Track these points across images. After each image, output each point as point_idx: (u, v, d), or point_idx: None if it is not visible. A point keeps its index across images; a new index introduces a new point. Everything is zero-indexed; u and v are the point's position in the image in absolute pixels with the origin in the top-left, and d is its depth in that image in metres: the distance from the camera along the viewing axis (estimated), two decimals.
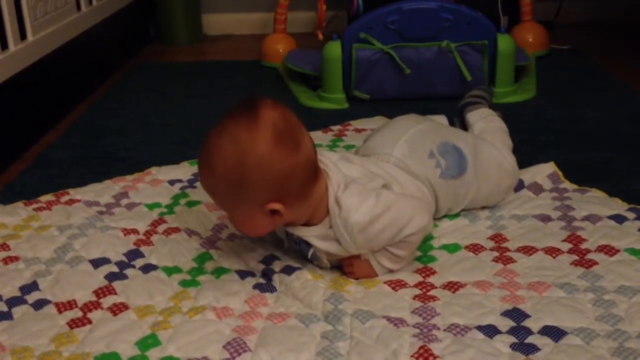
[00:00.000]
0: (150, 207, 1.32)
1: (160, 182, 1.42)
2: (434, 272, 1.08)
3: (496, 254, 1.13)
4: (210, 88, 2.10)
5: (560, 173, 1.37)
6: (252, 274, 1.09)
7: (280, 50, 2.24)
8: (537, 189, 1.33)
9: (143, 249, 1.17)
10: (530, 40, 2.23)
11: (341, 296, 1.02)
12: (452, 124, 1.42)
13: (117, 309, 1.02)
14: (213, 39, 2.75)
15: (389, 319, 0.97)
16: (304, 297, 1.02)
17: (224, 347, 0.93)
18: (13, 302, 1.04)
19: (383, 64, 1.83)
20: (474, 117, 1.34)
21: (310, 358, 0.91)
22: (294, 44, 2.26)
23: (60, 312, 1.02)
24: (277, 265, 1.10)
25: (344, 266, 1.08)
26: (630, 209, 1.23)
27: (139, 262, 1.14)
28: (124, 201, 1.35)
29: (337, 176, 1.05)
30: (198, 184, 1.40)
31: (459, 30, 1.81)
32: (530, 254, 1.12)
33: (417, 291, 1.04)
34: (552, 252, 1.12)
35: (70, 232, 1.23)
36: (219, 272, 1.10)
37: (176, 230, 1.23)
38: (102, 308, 1.02)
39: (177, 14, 2.61)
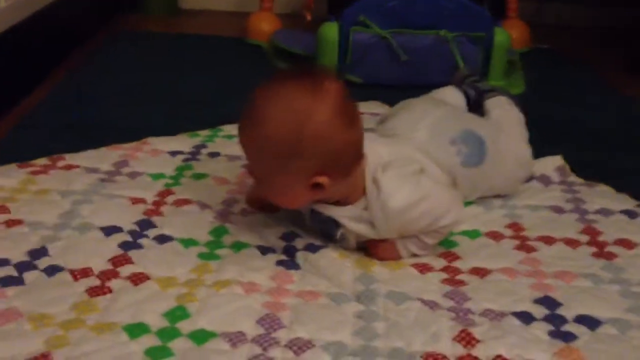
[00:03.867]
0: (155, 177, 1.27)
1: (160, 153, 1.37)
2: (458, 257, 1.07)
3: (517, 242, 1.12)
4: (194, 62, 2.04)
5: (568, 166, 1.37)
6: (273, 250, 1.06)
7: (265, 29, 2.19)
8: (545, 181, 1.33)
9: (154, 219, 1.12)
10: (514, 37, 2.24)
11: (371, 276, 1.00)
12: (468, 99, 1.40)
13: (137, 279, 0.97)
14: (189, 13, 2.68)
15: (423, 301, 0.95)
16: (332, 276, 1.00)
17: (257, 322, 0.89)
18: (23, 266, 0.98)
19: (379, 48, 1.81)
20: (492, 104, 1.34)
21: (347, 337, 0.88)
22: (279, 23, 2.22)
23: (76, 279, 0.96)
24: (299, 243, 1.06)
25: (369, 247, 1.05)
26: (628, 210, 1.24)
27: (152, 232, 1.09)
28: (126, 169, 1.29)
29: (375, 156, 1.02)
30: (201, 156, 1.36)
31: (457, 20, 1.80)
32: (550, 244, 1.12)
33: (445, 275, 1.02)
34: (571, 243, 1.12)
35: (74, 197, 1.17)
36: (238, 246, 1.06)
37: (186, 202, 1.18)
38: (120, 277, 0.97)
39: None
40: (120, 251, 1.03)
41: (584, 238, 1.14)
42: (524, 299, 0.97)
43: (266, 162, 0.98)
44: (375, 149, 1.03)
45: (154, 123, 1.54)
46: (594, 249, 1.11)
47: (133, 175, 1.27)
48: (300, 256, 1.04)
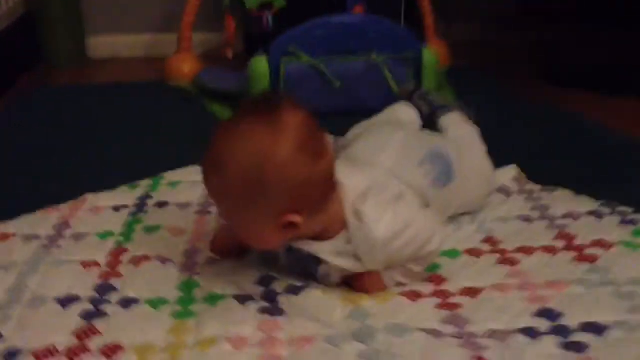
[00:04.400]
0: (103, 236, 1.17)
1: (102, 210, 1.27)
2: (444, 279, 1.02)
3: (497, 256, 1.08)
4: (114, 111, 1.92)
5: (523, 175, 1.36)
6: (251, 298, 0.98)
7: (186, 70, 2.11)
8: (506, 191, 1.30)
9: (113, 281, 1.03)
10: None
11: (363, 311, 0.94)
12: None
13: (111, 351, 0.87)
14: (100, 62, 2.56)
15: (424, 331, 0.89)
16: (322, 317, 0.93)
17: None
18: None
19: (312, 78, 1.76)
20: (447, 121, 1.31)
21: None
22: (199, 63, 2.14)
23: None
24: (278, 286, 0.99)
25: (354, 280, 0.99)
26: (602, 205, 1.24)
27: (114, 297, 0.99)
28: (68, 232, 1.18)
29: (352, 185, 0.96)
30: (148, 208, 1.27)
31: (385, 42, 1.78)
32: (530, 254, 1.09)
33: (437, 300, 0.97)
34: (550, 250, 1.10)
35: (18, 269, 1.06)
36: (213, 299, 0.98)
37: (145, 258, 1.08)
38: (90, 351, 0.87)
39: (59, 35, 2.42)
40: (83, 322, 0.93)
41: (560, 244, 1.12)
42: (523, 313, 0.93)
43: (232, 205, 0.92)
44: (349, 177, 0.97)
45: (84, 179, 1.43)
46: (573, 254, 1.08)
47: (78, 237, 1.16)
48: (282, 300, 0.97)
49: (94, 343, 0.89)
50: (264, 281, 1.01)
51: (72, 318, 0.94)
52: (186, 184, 1.38)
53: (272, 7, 2.12)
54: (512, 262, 1.06)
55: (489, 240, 1.13)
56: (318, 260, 0.97)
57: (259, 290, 0.99)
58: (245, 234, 0.95)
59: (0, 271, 1.06)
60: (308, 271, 0.99)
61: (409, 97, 1.40)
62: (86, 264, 1.07)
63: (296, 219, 0.90)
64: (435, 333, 0.89)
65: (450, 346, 0.86)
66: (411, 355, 0.85)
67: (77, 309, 0.96)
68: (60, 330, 0.91)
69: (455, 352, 0.85)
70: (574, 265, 1.05)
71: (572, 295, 0.97)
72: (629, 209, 1.21)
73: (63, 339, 0.89)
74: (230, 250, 1.08)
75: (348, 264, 0.96)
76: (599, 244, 1.11)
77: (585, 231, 1.15)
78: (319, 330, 0.91)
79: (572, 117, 1.79)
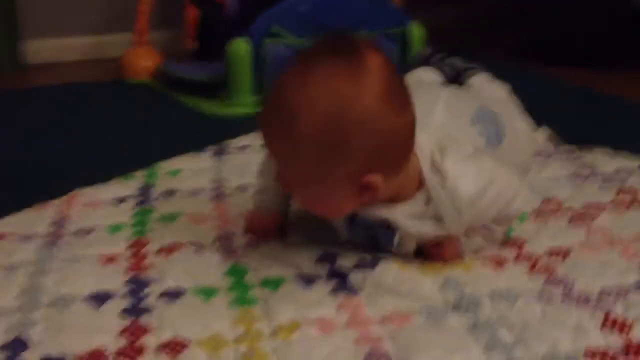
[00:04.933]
0: (114, 229, 1.00)
1: (101, 203, 1.10)
2: (523, 242, 0.91)
3: (569, 214, 0.98)
4: (65, 115, 1.72)
5: (555, 135, 1.27)
6: (317, 278, 0.84)
7: (146, 64, 1.95)
8: (544, 153, 1.21)
9: (146, 274, 0.87)
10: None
11: (456, 281, 0.81)
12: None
13: (173, 349, 0.71)
14: (39, 67, 2.35)
15: (535, 295, 0.78)
16: (410, 291, 0.80)
17: None
18: None
19: None
20: (479, 81, 1.19)
21: (481, 355, 0.69)
22: (158, 57, 1.98)
23: None
24: (345, 262, 0.86)
25: (429, 249, 0.87)
26: None
27: (153, 290, 0.83)
28: (70, 228, 1.01)
29: (427, 139, 0.84)
30: (156, 197, 1.11)
31: (372, 19, 1.67)
32: (602, 210, 0.99)
33: (526, 263, 0.86)
34: (620, 204, 1.01)
35: (25, 270, 0.88)
36: (272, 283, 0.83)
37: (175, 247, 0.93)
38: (149, 351, 0.71)
39: None
40: (126, 321, 0.77)
41: (627, 197, 1.03)
42: (629, 269, 0.83)
43: (303, 166, 0.78)
44: (424, 131, 0.85)
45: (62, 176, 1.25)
46: None
47: (84, 232, 0.99)
48: (355, 277, 0.83)
49: (149, 342, 0.73)
50: (327, 258, 0.87)
51: (111, 317, 0.78)
52: (188, 172, 1.22)
53: None
54: (587, 220, 0.96)
55: (551, 200, 1.03)
56: (390, 227, 0.84)
57: (323, 268, 0.85)
58: (314, 200, 0.82)
59: (4, 272, 0.88)
60: (376, 243, 0.86)
61: (426, 62, 1.29)
62: (106, 259, 0.91)
63: (376, 179, 0.77)
64: (545, 296, 0.77)
65: (568, 308, 0.75)
66: (531, 320, 0.73)
67: (114, 307, 0.80)
68: (102, 331, 0.75)
69: (577, 314, 0.74)
70: None
71: None
72: None
73: (109, 341, 0.73)
74: (269, 230, 0.94)
75: (428, 228, 0.84)
76: None
77: None
78: (411, 304, 0.78)
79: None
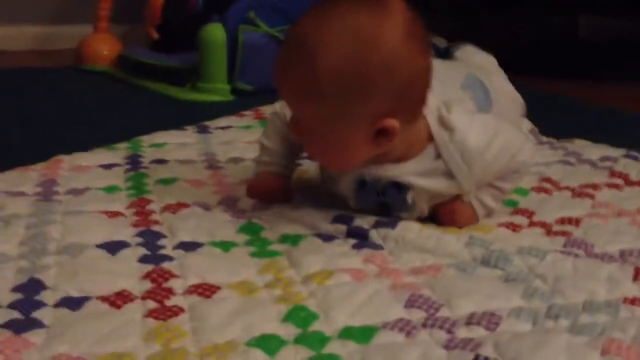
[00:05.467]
0: (109, 190, 0.96)
1: (88, 168, 1.05)
2: (532, 212, 0.91)
3: (569, 192, 0.99)
4: (20, 99, 1.63)
5: (536, 128, 1.30)
6: (336, 237, 0.82)
7: (106, 52, 1.89)
8: None
9: (156, 228, 0.83)
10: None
11: (478, 239, 0.81)
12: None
13: (205, 291, 0.68)
14: None
15: (561, 251, 0.78)
16: (435, 247, 0.79)
17: (408, 307, 0.66)
18: (24, 305, 0.64)
19: (270, 50, 1.61)
20: (465, 52, 1.21)
21: (519, 300, 0.68)
22: (119, 44, 1.93)
23: (117, 306, 0.65)
24: (363, 222, 0.84)
25: (444, 214, 0.86)
26: (629, 150, 1.19)
27: (168, 242, 0.79)
28: (60, 188, 0.96)
29: (433, 96, 0.83)
30: (146, 165, 1.07)
31: None
32: (598, 190, 1.01)
33: (541, 229, 0.86)
34: (614, 186, 1.02)
35: (23, 222, 0.83)
36: (291, 239, 0.81)
37: (181, 205, 0.89)
38: (178, 293, 0.68)
39: None
40: (148, 266, 0.73)
41: (619, 181, 1.05)
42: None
43: (323, 103, 0.76)
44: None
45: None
46: (638, 188, 1.02)
47: (77, 192, 0.94)
48: (376, 235, 0.82)
49: (176, 284, 0.69)
50: (343, 219, 0.84)
51: (130, 263, 0.74)
52: (174, 145, 1.19)
53: None
54: (588, 196, 0.98)
55: (547, 180, 1.04)
56: (401, 189, 0.83)
57: (341, 228, 0.83)
58: (328, 147, 0.80)
59: None
60: (387, 210, 0.85)
61: None
62: (110, 213, 0.87)
63: (393, 124, 0.77)
64: (572, 253, 0.78)
65: (600, 263, 0.76)
66: (563, 273, 0.73)
67: (130, 254, 0.76)
68: (123, 275, 0.71)
69: (609, 268, 0.74)
70: None
71: None
72: None
73: (133, 284, 0.69)
74: (275, 193, 0.91)
75: (439, 185, 0.83)
76: None
77: (634, 170, 1.09)
78: (439, 259, 0.77)
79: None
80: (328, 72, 0.74)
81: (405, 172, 0.83)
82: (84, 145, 1.15)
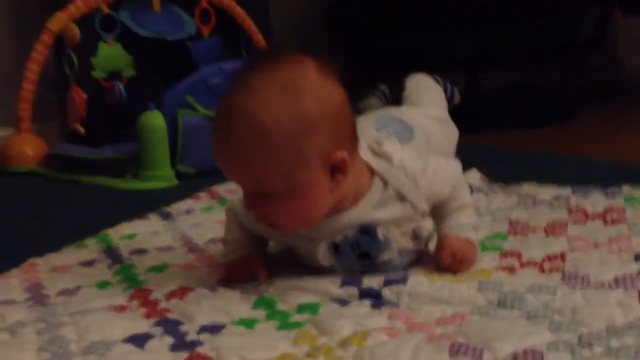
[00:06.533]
0: (101, 285, 0.94)
1: (68, 268, 1.02)
2: (520, 254, 0.96)
3: (542, 232, 1.05)
4: None
5: (485, 176, 1.37)
6: (351, 300, 0.84)
7: (30, 152, 1.85)
8: (481, 190, 1.30)
9: (171, 316, 0.82)
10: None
11: (488, 283, 0.85)
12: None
13: None
14: None
15: (568, 284, 0.83)
16: (450, 297, 0.82)
17: (451, 356, 0.68)
18: None
19: (209, 131, 1.63)
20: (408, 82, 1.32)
21: (547, 334, 0.72)
22: (44, 144, 1.89)
23: None
24: (371, 283, 0.86)
25: (443, 257, 0.89)
26: (575, 187, 1.28)
27: (189, 328, 0.79)
28: (49, 291, 0.93)
29: (362, 136, 0.91)
30: (129, 256, 1.05)
31: None
32: (565, 226, 1.08)
33: (535, 268, 0.91)
34: (579, 221, 1.09)
35: (33, 328, 0.81)
36: (310, 308, 0.82)
37: (185, 290, 0.89)
38: None
39: None
40: (182, 354, 0.72)
41: (579, 217, 1.12)
42: (626, 262, 0.90)
43: (276, 160, 0.81)
44: None
45: None
46: (599, 221, 1.09)
47: (70, 292, 0.92)
48: (389, 293, 0.84)
49: None
50: (351, 282, 0.87)
51: (163, 354, 0.73)
52: (145, 235, 1.18)
53: (121, 75, 1.96)
54: (560, 233, 1.04)
55: (516, 222, 1.10)
56: (369, 230, 0.88)
57: (352, 291, 0.85)
58: (292, 208, 0.84)
59: (5, 334, 0.80)
60: (370, 258, 0.89)
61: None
62: (117, 308, 0.85)
63: (343, 154, 0.83)
64: (581, 283, 0.83)
65: (606, 290, 0.81)
66: (578, 304, 0.78)
67: (158, 344, 0.75)
68: None
69: (615, 294, 0.79)
70: (614, 227, 1.05)
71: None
72: (598, 186, 1.26)
73: None
74: (254, 270, 0.92)
75: (396, 211, 0.88)
76: (612, 210, 1.13)
77: (588, 204, 1.17)
78: (459, 308, 0.80)
79: None
80: (269, 126, 0.79)
81: (363, 211, 0.88)
82: (42, 247, 1.12)
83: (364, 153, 0.90)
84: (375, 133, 1.05)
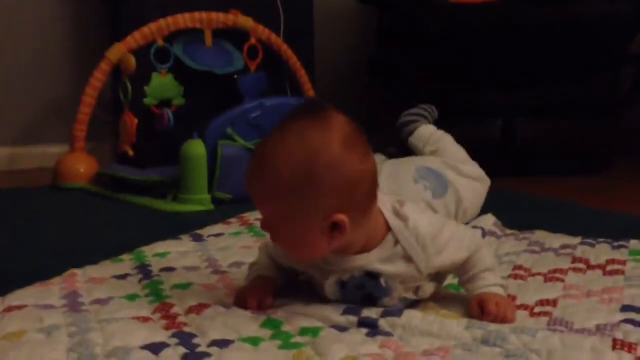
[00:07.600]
0: (130, 298, 1.04)
1: (103, 280, 1.13)
2: (515, 297, 1.03)
3: (541, 277, 1.13)
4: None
5: (500, 222, 1.44)
6: (350, 327, 0.92)
7: (82, 170, 1.99)
8: (495, 235, 1.37)
9: (187, 329, 0.92)
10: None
11: (477, 321, 0.92)
12: (390, 155, 1.42)
13: None
14: None
15: (551, 329, 0.90)
16: (440, 331, 0.90)
17: None
18: None
19: (246, 162, 1.73)
20: (418, 142, 1.39)
21: None
22: (96, 163, 2.03)
23: None
24: (370, 313, 0.94)
25: (490, 308, 0.94)
26: (585, 238, 1.34)
27: (201, 341, 0.88)
28: (84, 299, 1.04)
29: (387, 196, 1.00)
30: (158, 273, 1.15)
31: None
32: (565, 274, 1.14)
33: (524, 311, 0.98)
34: (579, 270, 1.16)
35: (66, 331, 0.91)
36: (312, 331, 0.91)
37: (203, 307, 0.98)
38: None
39: None
40: None
41: (582, 265, 1.19)
42: (612, 311, 0.97)
43: (280, 203, 0.91)
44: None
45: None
46: (599, 271, 1.16)
47: (103, 302, 1.03)
48: (384, 324, 0.92)
49: None
50: (352, 311, 0.95)
51: None
52: (176, 254, 1.28)
53: (171, 104, 2.09)
54: (558, 280, 1.11)
55: (520, 267, 1.18)
56: (374, 276, 0.96)
57: (352, 319, 0.94)
58: (291, 240, 0.93)
59: (41, 335, 0.90)
60: (373, 300, 0.97)
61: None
62: (140, 319, 0.95)
63: (343, 219, 0.90)
64: (563, 329, 0.90)
65: (585, 336, 0.87)
66: (553, 348, 0.84)
67: (172, 353, 0.84)
68: None
69: (591, 340, 0.85)
70: (611, 278, 1.12)
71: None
72: (608, 240, 1.33)
73: None
74: (261, 298, 1.00)
75: (401, 269, 0.96)
76: (614, 262, 1.19)
77: (592, 255, 1.24)
78: (445, 342, 0.87)
79: None
80: (282, 177, 0.89)
81: (371, 260, 0.96)
82: (83, 260, 1.23)
83: (386, 209, 0.97)
84: (412, 184, 1.16)
